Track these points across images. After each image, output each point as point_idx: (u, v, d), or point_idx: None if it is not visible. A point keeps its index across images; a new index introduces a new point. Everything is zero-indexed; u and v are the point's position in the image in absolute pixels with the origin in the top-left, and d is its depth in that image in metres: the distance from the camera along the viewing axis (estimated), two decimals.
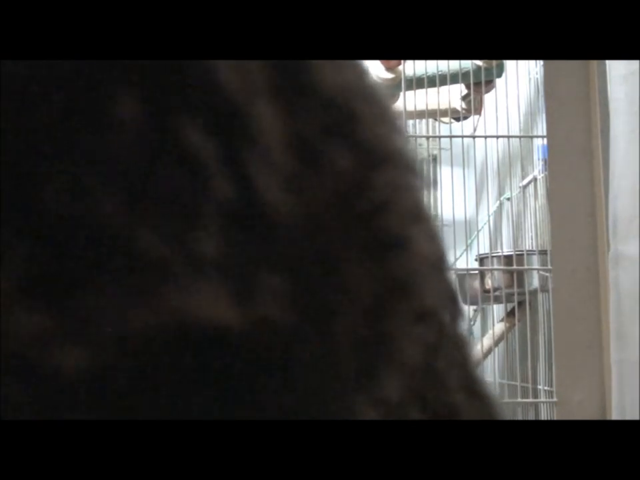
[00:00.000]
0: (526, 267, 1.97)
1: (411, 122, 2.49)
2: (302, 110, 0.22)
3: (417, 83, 2.12)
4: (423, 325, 0.24)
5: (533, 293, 2.01)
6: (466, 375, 0.27)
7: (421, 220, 0.26)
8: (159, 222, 0.19)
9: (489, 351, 2.05)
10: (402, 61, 2.08)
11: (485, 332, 2.14)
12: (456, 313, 0.27)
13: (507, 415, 2.02)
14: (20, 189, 0.18)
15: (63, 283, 0.18)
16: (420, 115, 2.22)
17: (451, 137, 2.21)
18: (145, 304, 0.19)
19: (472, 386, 0.27)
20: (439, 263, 0.26)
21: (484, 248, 2.19)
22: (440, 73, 2.11)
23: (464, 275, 2.09)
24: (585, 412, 1.56)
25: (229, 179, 0.20)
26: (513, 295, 1.97)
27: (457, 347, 0.27)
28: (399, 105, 2.19)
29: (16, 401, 0.19)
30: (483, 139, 2.06)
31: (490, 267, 2.02)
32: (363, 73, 0.25)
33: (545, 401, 1.91)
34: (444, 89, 2.18)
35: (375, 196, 0.23)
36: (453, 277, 0.29)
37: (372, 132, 0.24)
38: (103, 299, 0.19)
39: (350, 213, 0.23)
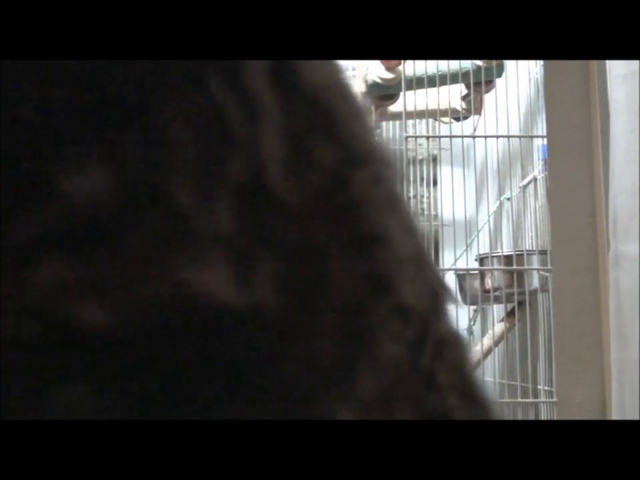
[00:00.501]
0: (526, 267, 1.97)
1: (410, 122, 2.49)
2: (291, 106, 0.23)
3: (417, 82, 2.12)
4: (400, 321, 0.24)
5: (533, 293, 2.01)
6: (459, 376, 0.27)
7: (397, 214, 0.26)
8: (187, 185, 0.20)
9: (489, 351, 2.05)
10: (402, 61, 2.08)
11: (485, 332, 2.14)
12: (439, 308, 0.27)
13: (507, 416, 2.02)
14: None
15: (89, 240, 0.19)
16: (420, 114, 2.22)
17: (451, 137, 2.21)
18: (159, 274, 0.19)
19: (466, 388, 0.27)
20: (417, 257, 0.26)
21: (484, 248, 2.19)
22: (440, 73, 2.11)
23: (464, 275, 2.09)
24: (585, 412, 1.56)
25: (245, 154, 0.21)
26: (512, 294, 1.97)
27: (448, 346, 0.27)
28: (398, 104, 2.19)
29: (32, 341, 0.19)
30: (483, 139, 2.06)
31: (490, 267, 2.02)
32: (339, 71, 0.26)
33: (545, 401, 1.91)
34: (444, 88, 2.18)
35: (354, 191, 0.24)
36: (439, 273, 0.29)
37: (351, 130, 0.25)
38: (123, 260, 0.19)
39: (332, 208, 0.23)
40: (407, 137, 2.09)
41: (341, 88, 0.25)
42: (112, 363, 0.19)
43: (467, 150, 2.32)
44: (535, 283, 1.98)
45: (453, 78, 2.13)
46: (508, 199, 2.26)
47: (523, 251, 2.02)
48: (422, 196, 2.87)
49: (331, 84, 0.25)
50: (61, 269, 0.19)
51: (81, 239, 0.19)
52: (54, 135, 0.19)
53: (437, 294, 0.27)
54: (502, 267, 2.02)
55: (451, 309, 0.28)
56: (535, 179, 2.04)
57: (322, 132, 0.24)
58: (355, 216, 0.24)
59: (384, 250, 0.24)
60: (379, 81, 2.25)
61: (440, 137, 2.38)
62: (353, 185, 0.24)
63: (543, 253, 1.95)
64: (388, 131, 2.84)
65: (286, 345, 0.21)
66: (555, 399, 1.72)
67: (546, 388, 1.94)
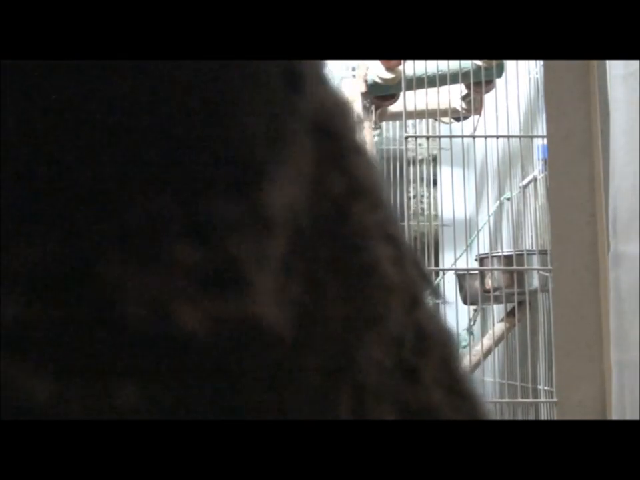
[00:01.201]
0: (526, 267, 1.97)
1: (410, 122, 2.49)
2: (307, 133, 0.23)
3: (417, 82, 2.12)
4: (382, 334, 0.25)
5: (533, 293, 2.01)
6: (446, 371, 0.27)
7: (386, 242, 0.26)
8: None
9: (489, 351, 2.05)
10: (402, 61, 2.08)
11: (485, 332, 2.14)
12: (417, 296, 0.27)
13: (507, 416, 2.02)
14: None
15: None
16: (420, 114, 2.22)
17: (451, 137, 2.21)
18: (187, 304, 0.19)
19: (453, 384, 0.27)
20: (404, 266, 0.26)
21: (484, 248, 2.19)
22: (440, 72, 2.11)
23: (464, 275, 2.09)
24: (585, 412, 1.56)
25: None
26: (512, 294, 1.97)
27: (433, 341, 0.27)
28: (398, 104, 2.19)
29: None
30: (483, 139, 2.06)
31: (490, 267, 2.02)
32: (342, 96, 0.26)
33: (545, 401, 1.91)
34: (444, 88, 2.18)
35: (354, 221, 0.24)
36: (423, 270, 0.29)
37: (357, 161, 0.26)
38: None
39: (336, 236, 0.24)
40: (407, 137, 2.09)
41: (346, 116, 0.26)
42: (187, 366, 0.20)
43: (467, 150, 2.32)
44: (535, 283, 1.98)
45: (453, 78, 2.13)
46: (508, 199, 2.26)
47: (523, 251, 2.02)
48: (422, 196, 2.87)
49: (339, 111, 0.25)
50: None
51: None
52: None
53: (414, 281, 0.27)
54: (502, 267, 2.02)
55: (439, 305, 0.28)
56: (535, 179, 2.04)
57: (332, 161, 0.24)
58: (353, 245, 0.24)
59: (375, 279, 0.25)
60: (379, 81, 2.25)
61: (440, 136, 2.38)
62: (353, 215, 0.24)
63: (543, 252, 1.95)
64: (388, 131, 2.84)
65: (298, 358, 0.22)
66: (555, 399, 1.72)
67: (546, 388, 1.94)
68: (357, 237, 0.24)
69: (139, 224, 0.19)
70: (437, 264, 2.22)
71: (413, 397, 0.25)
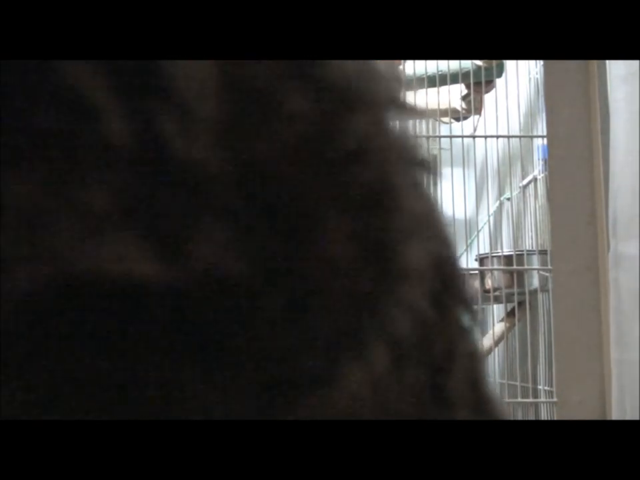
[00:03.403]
0: (526, 267, 1.97)
1: (410, 122, 2.49)
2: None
3: (417, 82, 2.12)
4: (407, 289, 0.23)
5: (533, 293, 2.01)
6: (473, 391, 0.26)
7: (405, 169, 0.24)
8: (40, 171, 0.18)
9: (489, 351, 2.05)
10: (402, 61, 2.08)
11: (485, 332, 2.14)
12: (447, 277, 0.25)
13: (508, 415, 2.02)
14: None
15: None
16: (420, 114, 2.22)
17: (451, 137, 2.21)
18: (31, 256, 0.18)
19: (480, 404, 0.26)
20: (427, 219, 0.24)
21: (484, 248, 2.19)
22: (440, 72, 2.11)
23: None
24: (585, 412, 1.56)
25: (129, 130, 0.19)
26: (512, 294, 1.97)
27: (462, 333, 0.26)
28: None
29: None
30: (483, 139, 2.06)
31: (490, 267, 2.02)
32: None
33: (545, 401, 1.91)
34: (444, 88, 2.18)
35: (346, 142, 0.22)
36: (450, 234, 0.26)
37: (337, 72, 0.22)
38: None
39: (318, 162, 0.21)
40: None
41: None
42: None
43: (467, 150, 2.32)
44: (535, 282, 1.98)
45: (453, 78, 2.13)
46: (508, 199, 2.26)
47: (523, 251, 2.02)
48: None
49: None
50: None
51: None
52: None
53: (444, 262, 0.25)
54: (502, 267, 2.02)
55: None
56: (535, 179, 2.04)
57: (295, 77, 0.21)
58: (348, 169, 0.21)
59: (385, 209, 0.22)
60: None
61: (440, 136, 2.38)
62: (343, 134, 0.22)
63: (543, 252, 1.95)
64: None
65: (258, 309, 0.21)
66: (555, 399, 1.72)
67: (546, 388, 1.94)
68: (352, 160, 0.21)
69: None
70: None
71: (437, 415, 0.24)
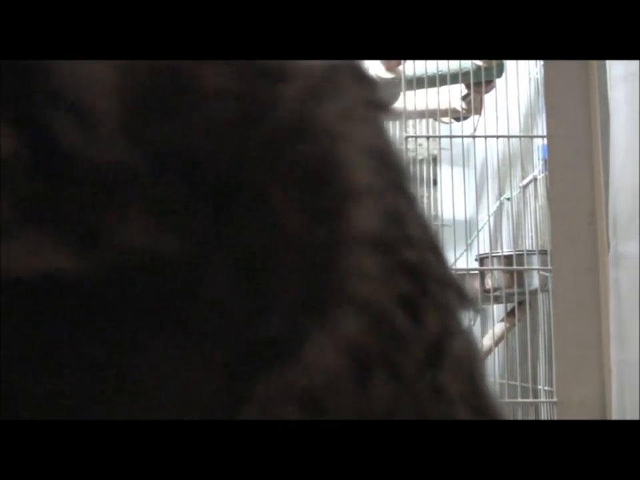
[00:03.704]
0: (526, 267, 1.97)
1: (410, 122, 2.49)
2: None
3: (417, 83, 2.11)
4: (364, 255, 0.22)
5: (533, 293, 2.00)
6: (471, 388, 0.26)
7: (353, 134, 0.23)
8: None
9: (489, 351, 2.05)
10: (402, 61, 2.08)
11: (485, 332, 2.14)
12: (408, 236, 0.24)
13: (505, 411, 2.01)
14: None
15: None
16: (420, 114, 2.22)
17: (451, 137, 2.21)
18: None
19: (477, 401, 0.26)
20: (381, 184, 0.23)
21: (484, 248, 2.19)
22: (440, 72, 2.11)
23: (464, 275, 2.09)
24: (585, 412, 1.56)
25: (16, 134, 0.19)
26: (513, 295, 1.97)
27: (461, 356, 0.26)
28: (399, 105, 2.19)
29: None
30: (483, 139, 2.06)
31: (490, 267, 2.02)
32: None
33: (545, 401, 1.91)
34: (444, 88, 2.18)
35: (280, 114, 0.21)
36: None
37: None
38: None
39: (252, 135, 0.21)
40: (407, 137, 2.09)
41: None
42: None
43: (467, 150, 2.32)
44: (535, 282, 1.98)
45: (453, 78, 2.13)
46: (508, 199, 2.26)
47: (523, 251, 2.02)
48: (422, 196, 2.87)
49: None
50: None
51: None
52: None
53: (403, 220, 0.24)
54: (502, 267, 2.02)
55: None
56: (535, 179, 2.03)
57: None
58: (289, 141, 0.21)
59: (333, 179, 0.22)
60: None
61: (440, 136, 2.38)
62: (283, 106, 0.21)
63: (543, 253, 1.95)
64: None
65: (204, 285, 0.20)
66: (555, 399, 1.72)
67: (546, 388, 1.93)
68: (291, 131, 0.21)
69: None
70: None
71: (435, 412, 0.24)
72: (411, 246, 0.24)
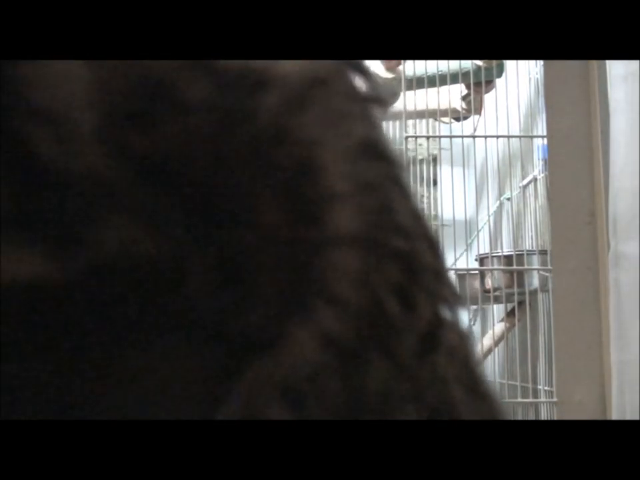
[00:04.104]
0: (526, 267, 1.97)
1: (410, 122, 2.49)
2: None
3: (417, 82, 2.11)
4: (344, 252, 0.22)
5: (533, 293, 2.00)
6: (466, 370, 0.26)
7: (336, 138, 0.23)
8: None
9: (489, 351, 2.05)
10: (402, 61, 2.08)
11: (485, 332, 2.14)
12: (398, 226, 0.24)
13: (506, 414, 2.01)
14: None
15: None
16: (420, 114, 2.22)
17: (451, 137, 2.21)
18: None
19: (472, 384, 0.26)
20: (364, 186, 0.23)
21: (484, 248, 2.19)
22: (440, 72, 2.11)
23: (464, 275, 2.09)
24: (585, 412, 1.56)
25: None
26: (512, 295, 1.97)
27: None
28: (399, 105, 2.19)
29: None
30: (483, 139, 2.06)
31: (490, 267, 2.02)
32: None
33: (545, 401, 1.91)
34: (444, 88, 2.18)
35: (261, 121, 0.21)
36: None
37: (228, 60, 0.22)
38: None
39: (233, 143, 0.21)
40: (407, 137, 2.09)
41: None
42: None
43: (467, 150, 2.32)
44: (535, 282, 1.98)
45: (453, 78, 2.13)
46: (508, 199, 2.26)
47: (523, 251, 2.02)
48: (422, 196, 2.87)
49: None
50: None
51: None
52: None
53: (385, 217, 0.24)
54: (502, 267, 2.02)
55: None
56: (535, 179, 2.04)
57: (194, 68, 0.21)
58: (268, 142, 0.22)
59: (311, 175, 0.22)
60: None
61: (440, 136, 2.38)
62: (261, 115, 0.22)
63: (543, 253, 1.95)
64: (388, 131, 2.84)
65: (187, 281, 0.21)
66: (555, 399, 1.72)
67: (546, 388, 1.94)
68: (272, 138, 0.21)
69: None
70: None
71: (433, 393, 0.24)
72: (402, 235, 0.24)
